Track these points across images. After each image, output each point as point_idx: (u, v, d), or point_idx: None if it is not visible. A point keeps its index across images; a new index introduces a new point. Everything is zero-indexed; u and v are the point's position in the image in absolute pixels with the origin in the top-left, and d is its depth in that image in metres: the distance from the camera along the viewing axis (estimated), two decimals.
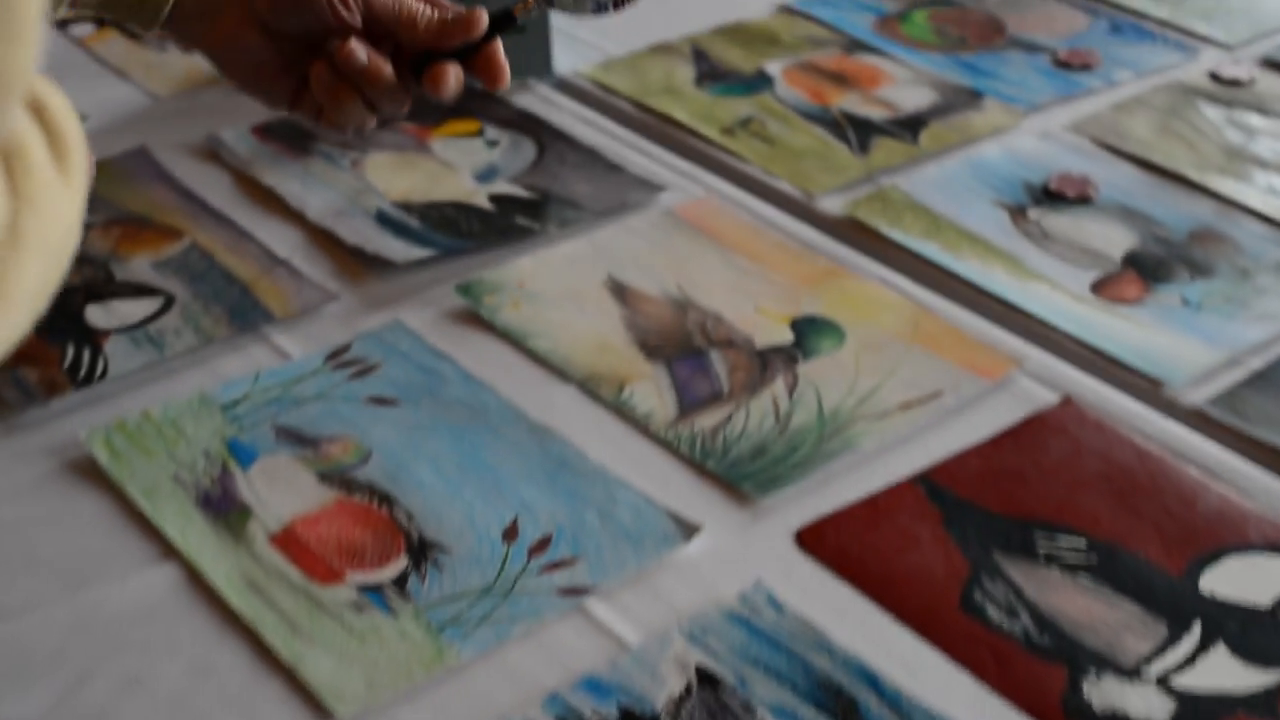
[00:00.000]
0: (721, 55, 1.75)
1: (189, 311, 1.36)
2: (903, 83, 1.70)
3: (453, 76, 1.20)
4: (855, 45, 1.78)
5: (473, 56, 1.22)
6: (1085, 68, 1.73)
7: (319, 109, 1.21)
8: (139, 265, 1.42)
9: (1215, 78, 1.72)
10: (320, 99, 1.20)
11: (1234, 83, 1.71)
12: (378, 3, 1.21)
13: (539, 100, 1.67)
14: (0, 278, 0.57)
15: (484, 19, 1.21)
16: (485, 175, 1.54)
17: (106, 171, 1.54)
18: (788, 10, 1.87)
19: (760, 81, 1.70)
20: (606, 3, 1.23)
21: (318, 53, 1.20)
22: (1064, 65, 1.74)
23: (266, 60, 1.21)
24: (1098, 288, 1.39)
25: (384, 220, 1.47)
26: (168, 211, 1.50)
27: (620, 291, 1.37)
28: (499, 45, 1.22)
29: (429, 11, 1.22)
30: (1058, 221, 1.47)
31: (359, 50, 1.18)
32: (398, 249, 1.43)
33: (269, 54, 1.20)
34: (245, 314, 1.35)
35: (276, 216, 1.49)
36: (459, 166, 1.55)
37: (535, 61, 1.70)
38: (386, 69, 1.19)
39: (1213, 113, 1.65)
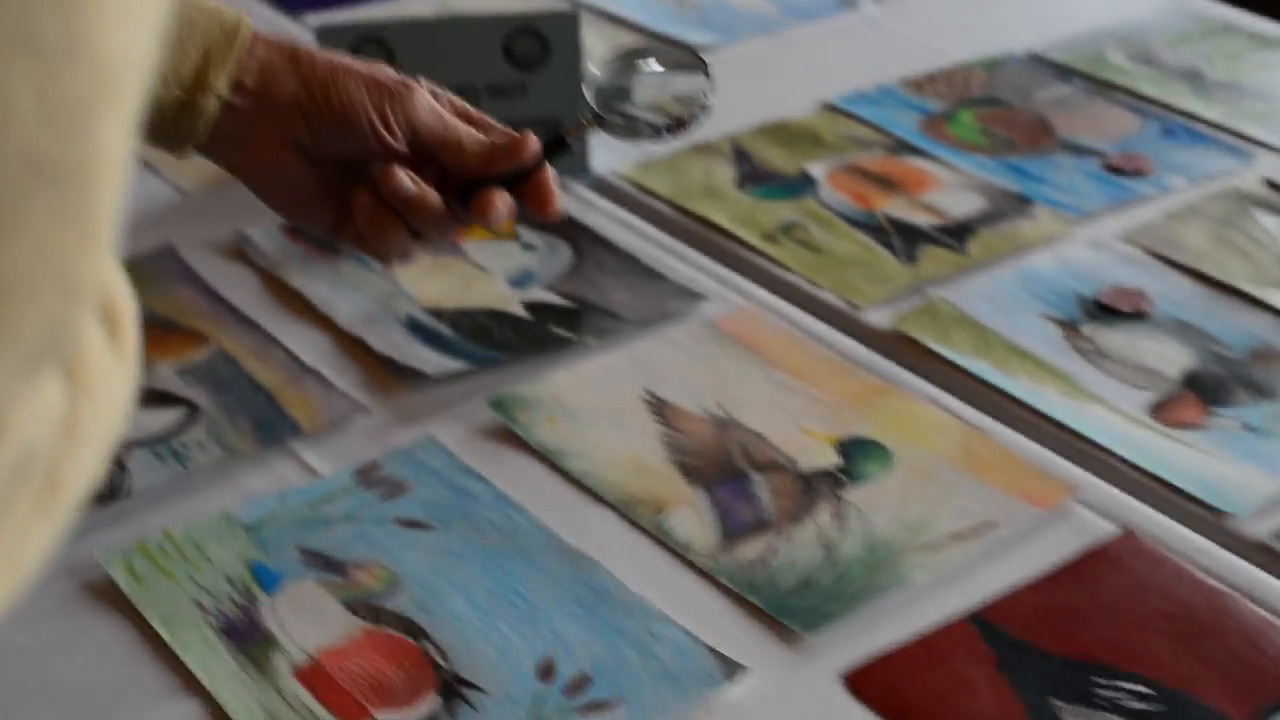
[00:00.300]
0: (763, 155, 1.71)
1: (214, 423, 1.31)
2: (950, 187, 1.65)
3: (502, 205, 1.16)
4: (901, 146, 1.73)
5: (522, 182, 1.17)
6: (1137, 173, 1.68)
7: (361, 236, 1.17)
8: (163, 372, 1.38)
9: (1272, 185, 1.67)
10: (363, 228, 1.16)
11: None
12: (423, 126, 1.16)
13: (576, 201, 1.63)
14: (56, 471, 0.53)
15: (535, 144, 1.17)
16: (520, 281, 1.50)
17: (134, 271, 1.48)
18: (831, 109, 1.82)
19: (803, 184, 1.66)
20: (661, 128, 1.19)
21: (360, 178, 1.16)
22: (1115, 170, 1.69)
23: (306, 186, 1.16)
24: (1156, 410, 1.34)
25: (415, 328, 1.43)
26: (194, 314, 1.46)
27: (659, 408, 1.32)
28: (550, 171, 1.18)
29: (477, 136, 1.17)
30: (1112, 338, 1.42)
31: (404, 179, 1.13)
32: (430, 360, 1.38)
33: (309, 179, 1.16)
34: (271, 427, 1.31)
35: (305, 321, 1.45)
36: (493, 271, 1.51)
37: (572, 161, 1.66)
38: (433, 197, 1.15)
39: (1270, 222, 1.60)
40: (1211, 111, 1.81)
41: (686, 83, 1.22)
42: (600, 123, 1.19)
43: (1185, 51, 1.96)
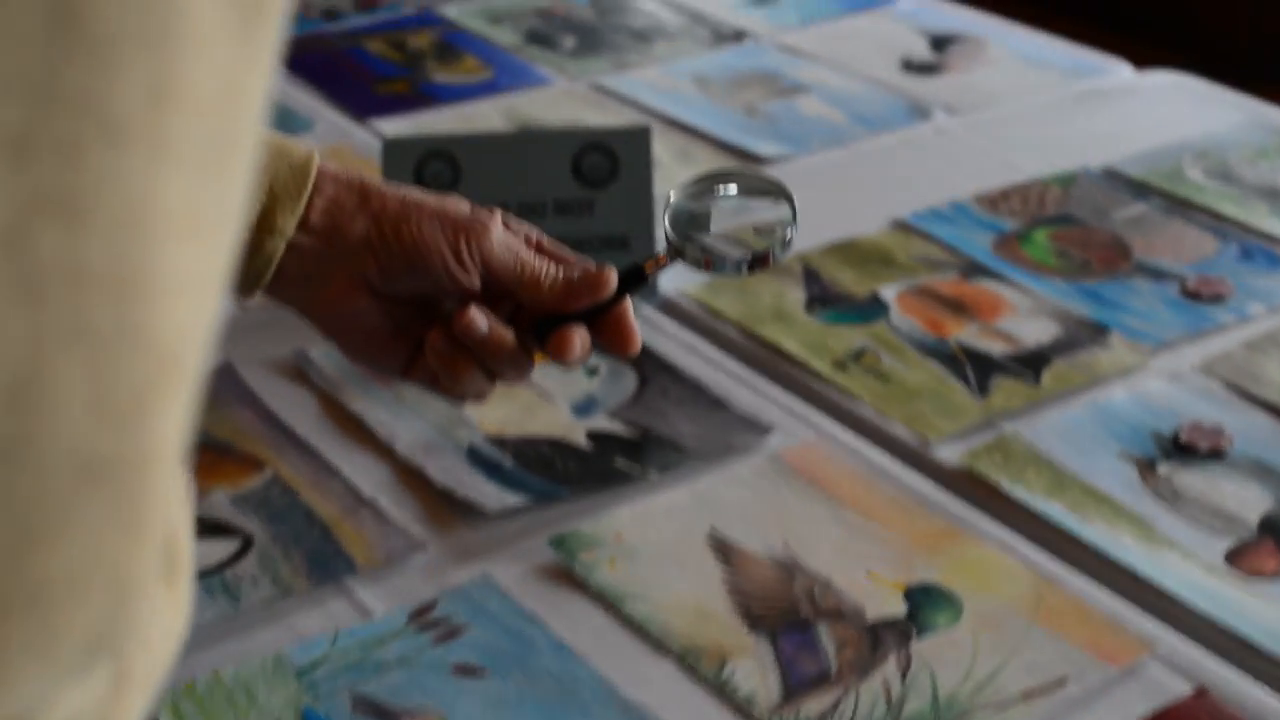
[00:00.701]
0: (834, 276, 1.68)
1: (267, 556, 1.29)
2: (1024, 313, 1.62)
3: (580, 344, 1.12)
4: (973, 268, 1.70)
5: (600, 316, 1.14)
6: (1216, 299, 1.65)
7: (434, 377, 1.14)
8: (218, 499, 1.35)
9: None
10: (436, 369, 1.13)
11: None
12: (497, 261, 1.13)
13: (642, 322, 1.58)
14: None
15: (613, 279, 1.13)
16: (584, 408, 1.47)
17: None
18: (903, 226, 1.79)
19: (874, 308, 1.62)
20: (741, 264, 1.15)
21: (432, 317, 1.13)
22: (1193, 296, 1.65)
23: (377, 326, 1.13)
24: (1233, 557, 1.30)
25: (476, 458, 1.40)
26: (251, 438, 1.43)
27: (723, 550, 1.29)
28: (629, 307, 1.15)
29: (553, 270, 1.14)
30: (1189, 479, 1.39)
31: (479, 319, 1.10)
32: (490, 494, 1.35)
33: (379, 320, 1.13)
34: (326, 563, 1.28)
35: (364, 447, 1.42)
36: (556, 397, 1.48)
37: None
38: (509, 338, 1.11)
39: None
40: None
41: (767, 212, 1.19)
42: (679, 254, 1.16)
43: (1264, 167, 1.92)
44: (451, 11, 2.44)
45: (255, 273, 1.09)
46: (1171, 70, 2.23)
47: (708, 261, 1.15)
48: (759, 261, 1.15)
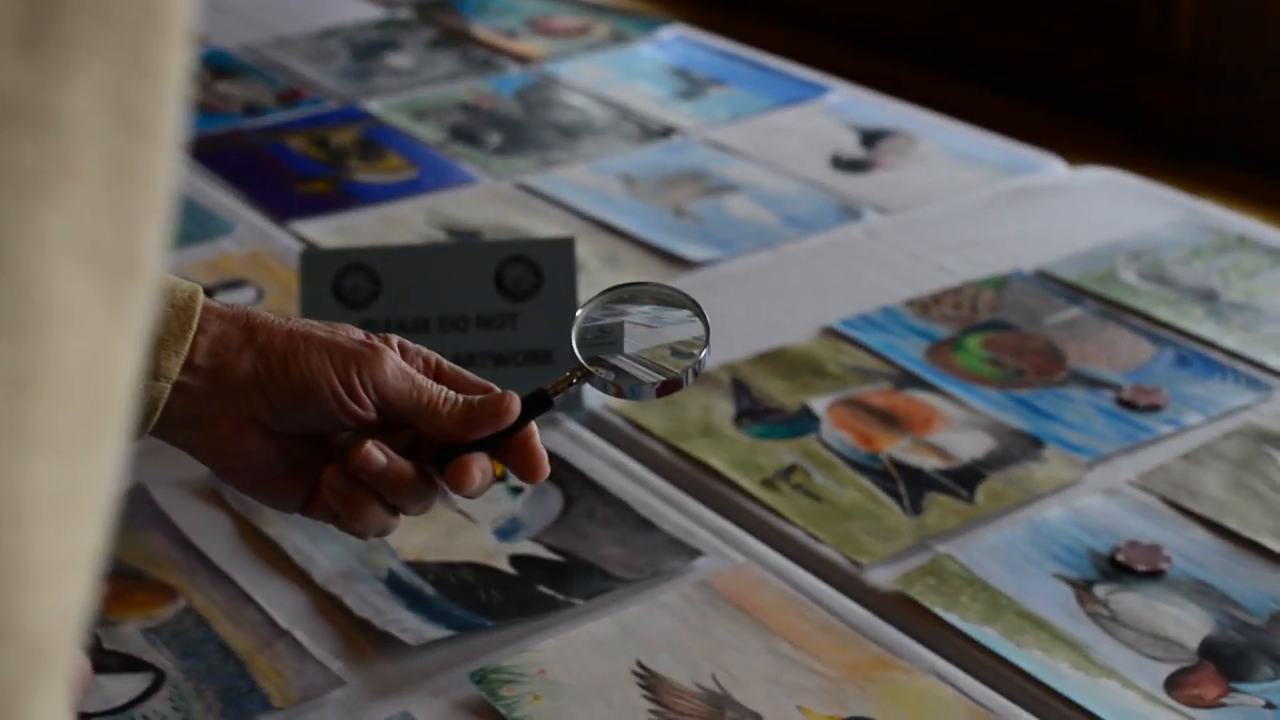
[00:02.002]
0: (763, 388, 1.64)
1: (179, 694, 1.24)
2: (957, 425, 1.58)
3: (480, 474, 1.08)
4: (906, 378, 1.67)
5: (504, 441, 1.11)
6: (1152, 409, 1.62)
7: (334, 514, 1.10)
8: (129, 632, 1.31)
9: None
10: (335, 506, 1.08)
11: None
12: (392, 389, 1.08)
13: (566, 438, 1.56)
14: None
15: (516, 405, 1.09)
16: (507, 531, 1.43)
17: None
18: (832, 334, 1.76)
19: (805, 422, 1.59)
20: (652, 387, 1.11)
21: (329, 451, 1.09)
22: (1129, 405, 1.62)
23: (270, 464, 1.08)
24: (1173, 686, 1.27)
25: (396, 585, 1.36)
26: (164, 565, 1.39)
27: (651, 683, 1.25)
28: (534, 433, 1.11)
29: (453, 397, 1.10)
30: (1128, 601, 1.35)
31: (375, 454, 1.06)
32: (410, 625, 1.31)
33: (272, 457, 1.08)
34: (240, 700, 1.24)
35: (280, 575, 1.38)
36: (479, 519, 1.44)
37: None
38: (408, 470, 1.07)
39: None
40: (1228, 339, 1.75)
41: (680, 329, 1.15)
42: (587, 377, 1.12)
43: (1199, 267, 1.90)
44: (375, 106, 2.41)
45: (140, 417, 1.05)
46: (1104, 166, 2.21)
47: (618, 388, 1.12)
48: (670, 386, 1.12)
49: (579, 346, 1.12)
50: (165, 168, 0.46)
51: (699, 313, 1.13)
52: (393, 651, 1.29)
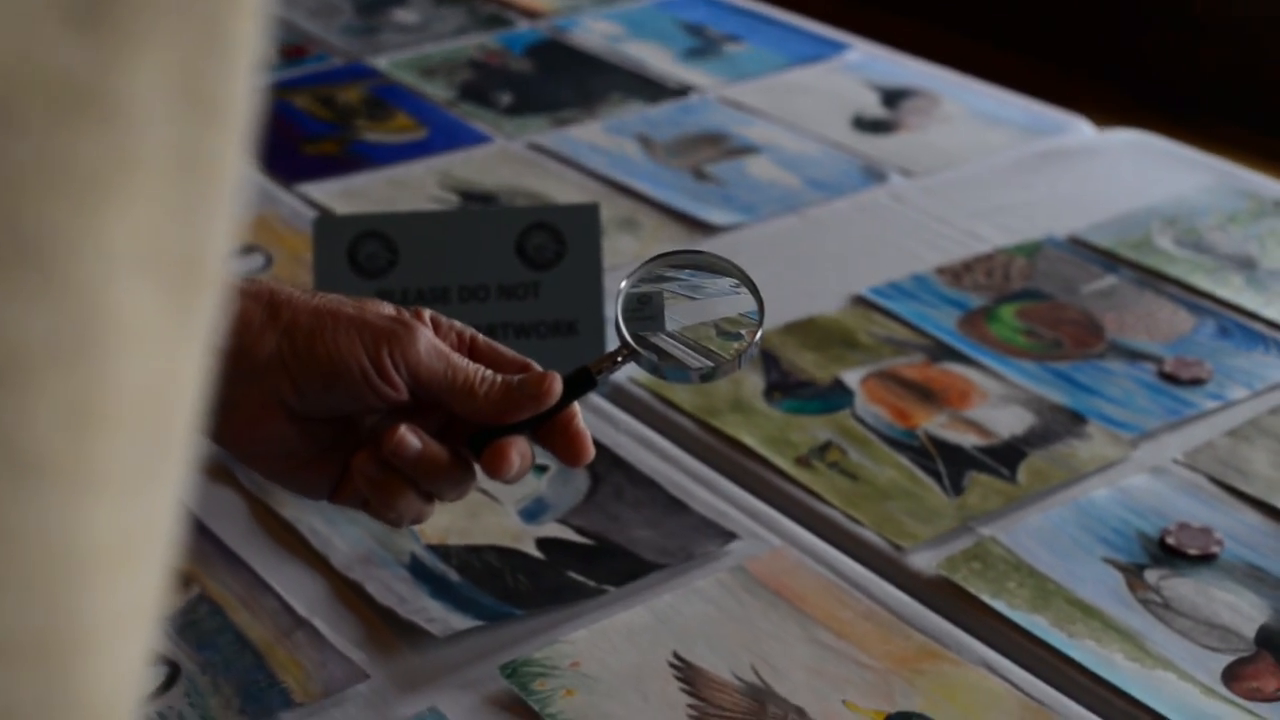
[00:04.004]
0: (794, 360, 1.58)
1: (195, 687, 1.19)
2: (996, 400, 1.53)
3: (519, 458, 1.03)
4: (940, 350, 1.61)
5: (545, 424, 1.05)
6: (1195, 382, 1.56)
7: (366, 502, 1.04)
8: None
9: None
10: (367, 493, 1.03)
11: None
12: (425, 369, 1.03)
13: (591, 413, 1.50)
14: None
15: (558, 386, 1.04)
16: (532, 512, 1.37)
17: None
18: (863, 302, 1.70)
19: (838, 396, 1.53)
20: (699, 372, 1.06)
21: (357, 435, 1.04)
22: (1171, 379, 1.57)
23: (297, 450, 1.03)
24: (1230, 677, 1.22)
25: (419, 571, 1.30)
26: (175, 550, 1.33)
27: (689, 675, 1.20)
28: (577, 414, 1.05)
29: (489, 376, 1.04)
30: (1180, 587, 1.30)
31: (409, 438, 1.00)
32: (435, 614, 1.25)
33: (299, 443, 1.03)
34: (259, 695, 1.18)
35: (298, 560, 1.32)
36: (502, 499, 1.38)
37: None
38: (444, 455, 1.02)
39: None
40: (1270, 309, 1.69)
41: (728, 303, 1.09)
42: (634, 356, 1.07)
43: (1236, 234, 1.84)
44: (382, 63, 2.34)
45: None
46: (1129, 127, 2.15)
47: (663, 365, 1.06)
48: (718, 374, 1.07)
49: (625, 322, 1.07)
50: (236, 156, 0.41)
51: (753, 289, 1.07)
52: (418, 642, 1.24)
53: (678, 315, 1.08)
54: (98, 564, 0.37)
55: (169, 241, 0.38)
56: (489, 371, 1.04)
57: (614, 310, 1.07)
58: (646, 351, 1.06)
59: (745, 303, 1.08)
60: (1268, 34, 3.31)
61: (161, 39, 0.37)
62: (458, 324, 1.09)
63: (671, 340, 1.07)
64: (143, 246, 0.37)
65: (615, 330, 1.07)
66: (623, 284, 1.08)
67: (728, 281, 1.09)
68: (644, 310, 1.08)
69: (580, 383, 1.06)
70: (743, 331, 1.07)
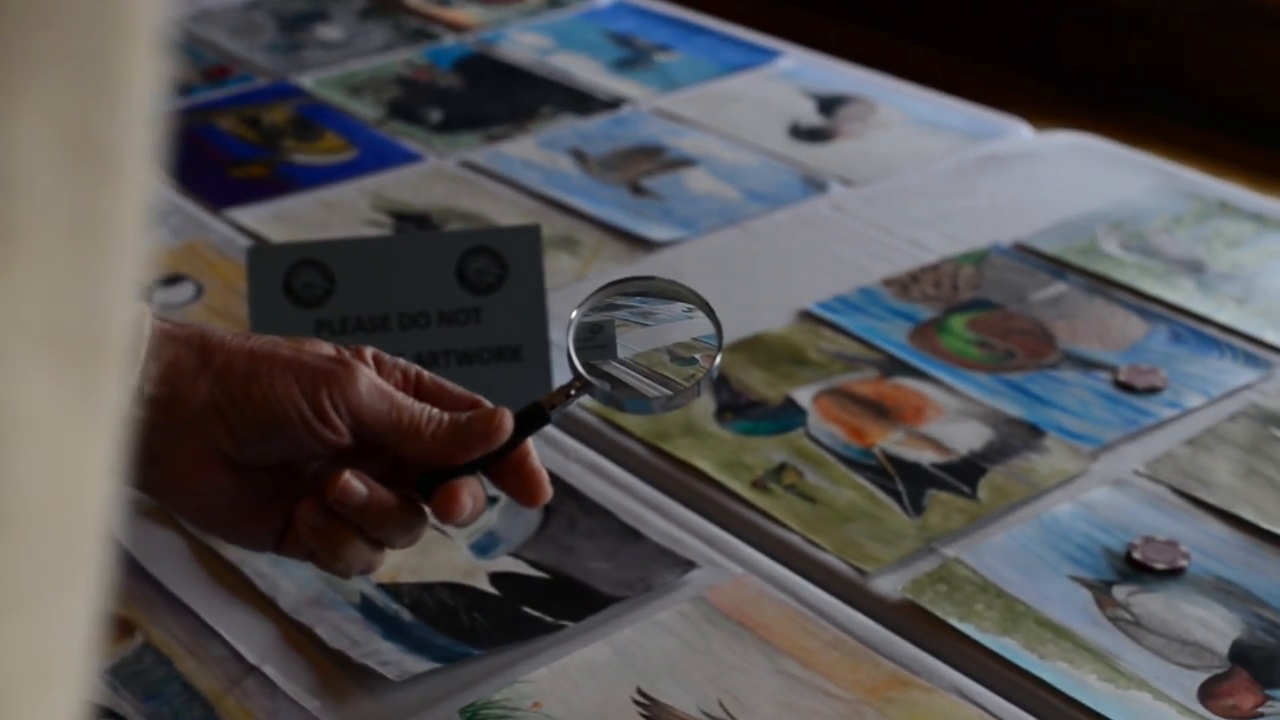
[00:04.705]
0: (743, 379, 1.55)
1: None
2: (951, 414, 1.50)
3: (470, 500, 0.99)
4: (892, 364, 1.57)
5: (496, 464, 1.02)
6: (1151, 390, 1.54)
7: (312, 552, 1.00)
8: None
9: None
10: (312, 544, 0.99)
11: None
12: (368, 410, 0.99)
13: (538, 440, 1.45)
14: None
15: (508, 423, 1.00)
16: (484, 546, 1.34)
17: None
18: (810, 317, 1.67)
19: (790, 415, 1.50)
20: (656, 402, 1.03)
21: (300, 483, 1.00)
22: (1126, 388, 1.54)
23: (237, 501, 0.99)
24: (1206, 695, 1.19)
25: (370, 611, 1.26)
26: (116, 596, 1.28)
27: (654, 712, 1.16)
28: (531, 451, 1.02)
29: (436, 416, 1.00)
30: (1150, 603, 1.28)
31: (354, 485, 0.96)
32: (390, 656, 1.21)
33: (239, 493, 0.99)
34: None
35: (245, 604, 1.28)
36: (453, 534, 1.34)
37: (533, 391, 1.49)
38: (392, 501, 0.98)
39: None
40: (1221, 313, 1.66)
41: (683, 330, 1.06)
42: (587, 389, 1.03)
43: (1182, 237, 1.82)
44: (307, 81, 2.30)
45: None
46: (1053, 120, 2.13)
47: (617, 396, 1.03)
48: (673, 400, 1.04)
49: (577, 352, 1.03)
50: (134, 214, 0.36)
51: (709, 313, 1.04)
52: (373, 686, 1.19)
53: (631, 343, 1.05)
54: (6, 690, 0.33)
55: (64, 316, 0.34)
56: (435, 410, 1.01)
57: (565, 341, 1.04)
58: (600, 382, 1.03)
59: (699, 326, 1.05)
60: (1189, 26, 3.31)
61: (45, 90, 0.33)
62: (401, 361, 1.05)
63: (626, 369, 1.04)
64: (35, 324, 0.33)
65: (568, 362, 1.04)
66: (573, 314, 1.05)
67: (680, 306, 1.06)
68: (596, 339, 1.05)
69: (532, 419, 1.02)
70: (697, 356, 1.04)
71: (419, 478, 1.01)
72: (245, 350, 0.99)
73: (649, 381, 1.04)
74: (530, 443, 1.03)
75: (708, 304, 1.06)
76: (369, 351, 1.04)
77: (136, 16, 0.36)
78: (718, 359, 1.04)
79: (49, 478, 0.34)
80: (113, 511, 0.38)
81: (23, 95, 0.33)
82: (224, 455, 0.97)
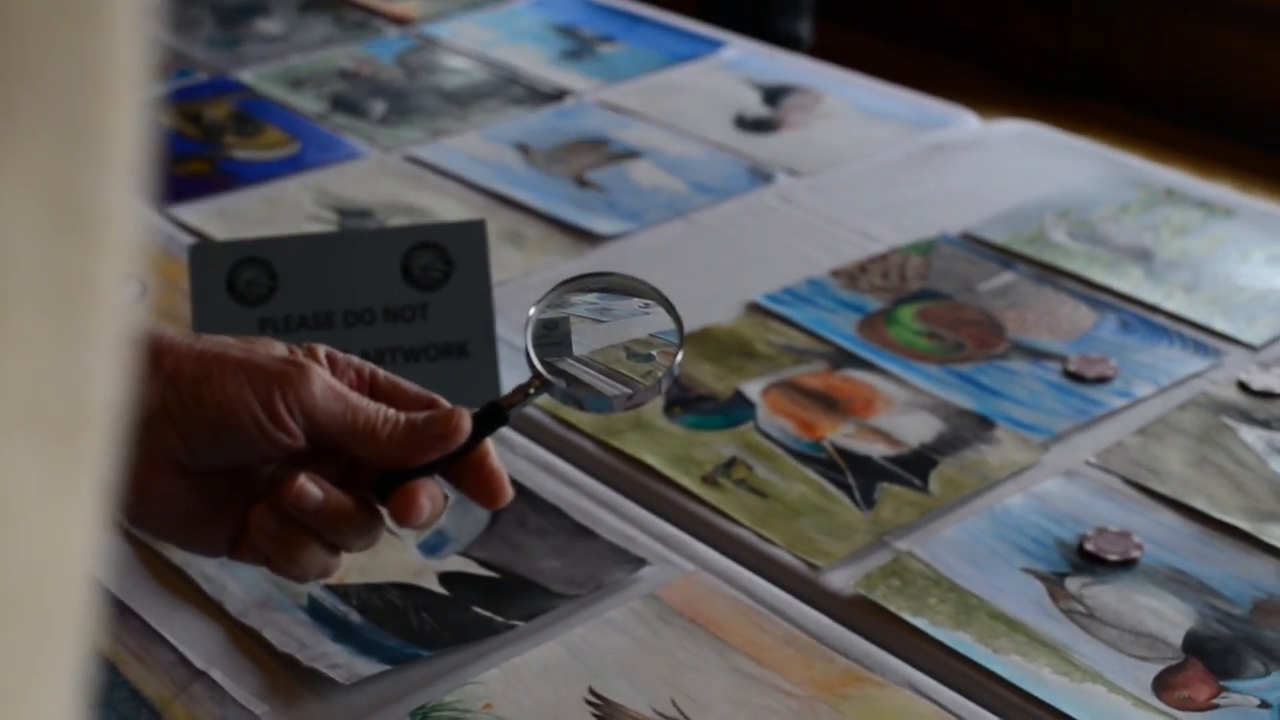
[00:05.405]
0: (691, 373, 1.54)
1: None
2: (901, 407, 1.49)
3: (428, 502, 0.98)
4: (841, 356, 1.57)
5: (454, 465, 1.00)
6: (1101, 380, 1.53)
7: (268, 557, 0.99)
8: None
9: (1245, 388, 1.53)
10: (267, 549, 0.97)
11: (1267, 394, 1.51)
12: (322, 412, 0.97)
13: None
14: None
15: (466, 424, 0.99)
16: (432, 546, 1.32)
17: None
18: (758, 309, 1.66)
19: (739, 409, 1.49)
20: (616, 400, 1.01)
21: (254, 486, 0.98)
22: (1076, 377, 1.54)
23: (190, 507, 0.97)
24: (1161, 686, 1.19)
25: (318, 613, 1.25)
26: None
27: (607, 712, 1.15)
28: (490, 451, 1.01)
29: (392, 417, 0.99)
30: (1102, 595, 1.27)
31: (309, 489, 0.95)
32: (339, 659, 1.20)
33: (192, 499, 0.97)
34: None
35: (191, 607, 1.26)
36: (401, 533, 1.33)
37: (481, 388, 1.48)
38: (348, 504, 0.96)
39: (1251, 436, 1.46)
40: (1170, 302, 1.66)
41: (641, 326, 1.05)
42: (546, 387, 1.02)
43: (1130, 225, 1.82)
44: (247, 76, 2.28)
45: None
46: (996, 105, 2.12)
47: (576, 395, 1.02)
48: (634, 399, 1.03)
49: (536, 349, 1.02)
50: (119, 274, 0.35)
51: (669, 309, 1.03)
52: (322, 690, 1.18)
53: (588, 340, 1.04)
54: None
55: (47, 391, 0.33)
56: (391, 411, 0.99)
57: (524, 339, 1.02)
58: (559, 380, 1.02)
59: (658, 322, 1.04)
60: (1130, 12, 3.32)
61: (28, 154, 0.32)
62: (355, 360, 1.04)
63: (584, 366, 1.03)
64: (18, 403, 0.32)
65: (526, 360, 1.03)
66: (531, 310, 1.04)
67: (637, 302, 1.06)
68: (553, 336, 1.04)
69: (491, 419, 1.01)
70: (653, 352, 1.04)
71: (375, 479, 1.00)
72: (195, 353, 0.97)
73: (606, 378, 1.03)
74: (489, 443, 1.02)
75: (668, 300, 1.05)
76: (322, 350, 1.02)
77: (120, 73, 0.34)
78: (679, 356, 1.03)
79: (29, 565, 0.33)
80: (93, 588, 0.36)
81: (5, 161, 0.31)
82: (175, 461, 0.96)
